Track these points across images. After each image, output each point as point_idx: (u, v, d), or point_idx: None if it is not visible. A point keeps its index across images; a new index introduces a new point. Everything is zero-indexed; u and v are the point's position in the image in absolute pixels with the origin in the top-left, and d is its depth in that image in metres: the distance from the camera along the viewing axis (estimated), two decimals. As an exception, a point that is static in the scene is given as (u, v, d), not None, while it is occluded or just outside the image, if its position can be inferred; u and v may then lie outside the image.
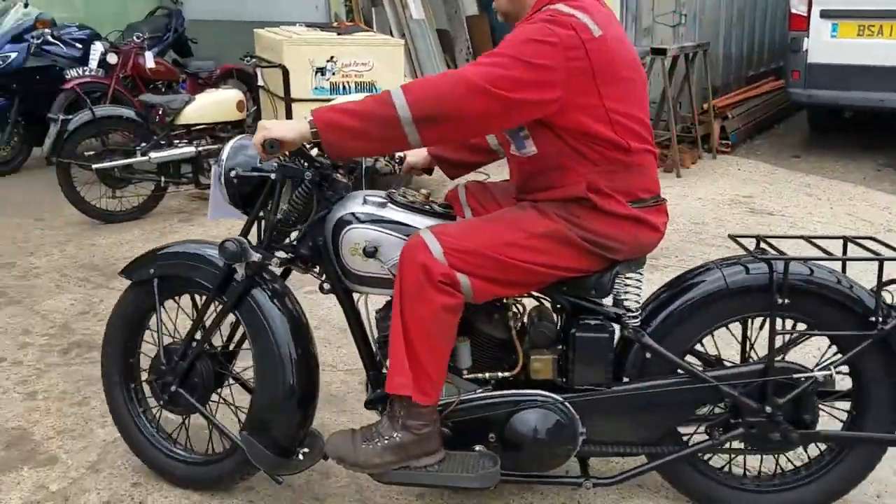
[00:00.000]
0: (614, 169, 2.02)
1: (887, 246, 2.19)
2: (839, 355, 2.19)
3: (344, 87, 5.39)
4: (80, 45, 6.46)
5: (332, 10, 7.85)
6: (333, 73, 5.35)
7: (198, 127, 5.37)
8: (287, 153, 2.08)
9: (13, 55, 6.16)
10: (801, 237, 2.36)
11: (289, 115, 5.29)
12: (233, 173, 2.26)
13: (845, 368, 2.21)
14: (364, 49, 5.44)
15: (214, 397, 2.53)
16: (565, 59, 1.88)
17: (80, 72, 6.16)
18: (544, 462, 2.21)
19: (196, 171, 5.42)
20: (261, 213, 2.29)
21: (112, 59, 6.28)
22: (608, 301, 2.20)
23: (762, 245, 2.25)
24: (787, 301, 2.07)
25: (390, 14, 7.08)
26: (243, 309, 2.32)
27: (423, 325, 2.00)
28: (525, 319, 2.30)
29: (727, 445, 2.24)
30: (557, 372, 2.20)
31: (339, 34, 5.62)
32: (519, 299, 2.28)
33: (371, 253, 2.13)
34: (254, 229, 2.34)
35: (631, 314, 2.18)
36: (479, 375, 2.23)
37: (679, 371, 2.20)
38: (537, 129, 2.02)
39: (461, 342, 2.18)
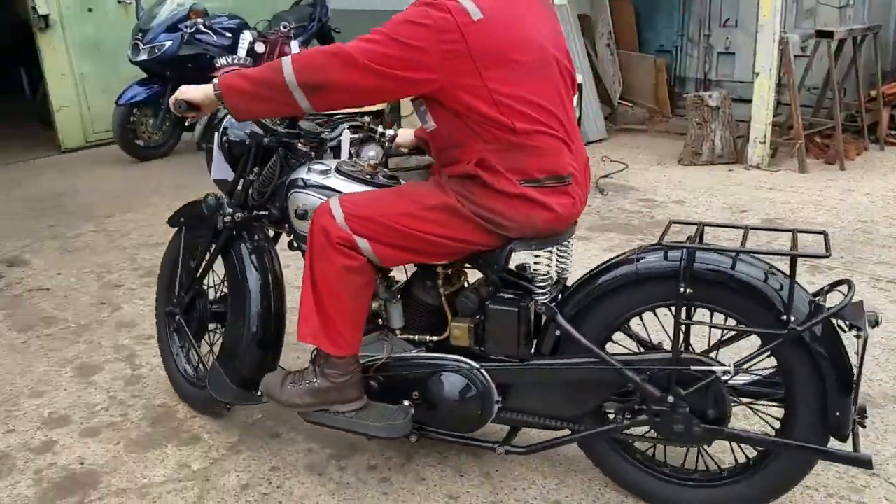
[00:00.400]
0: (505, 148, 2.07)
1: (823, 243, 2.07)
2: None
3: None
4: (229, 34, 6.66)
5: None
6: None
7: (338, 116, 5.39)
8: (198, 115, 2.38)
9: (168, 44, 6.42)
10: (748, 227, 2.23)
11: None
12: (224, 138, 2.66)
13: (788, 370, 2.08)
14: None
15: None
16: (438, 41, 1.96)
17: (230, 60, 6.35)
18: (459, 423, 2.36)
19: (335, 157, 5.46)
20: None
21: (260, 47, 6.44)
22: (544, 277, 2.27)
23: (704, 232, 2.21)
24: (690, 290, 2.03)
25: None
26: (228, 257, 2.70)
27: (329, 282, 2.21)
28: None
29: (635, 431, 2.25)
30: (475, 341, 2.31)
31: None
32: (464, 270, 2.43)
33: (302, 215, 2.37)
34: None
35: (540, 291, 2.24)
36: (411, 337, 2.42)
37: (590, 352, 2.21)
38: (433, 105, 2.12)
39: (393, 304, 2.42)
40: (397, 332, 2.44)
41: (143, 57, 6.45)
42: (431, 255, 2.25)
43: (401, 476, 2.55)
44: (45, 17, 6.86)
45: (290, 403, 2.40)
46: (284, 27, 6.61)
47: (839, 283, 2.06)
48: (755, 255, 2.08)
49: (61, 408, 3.02)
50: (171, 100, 2.34)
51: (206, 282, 2.89)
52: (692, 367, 2.09)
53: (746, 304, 2.03)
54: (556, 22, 2.24)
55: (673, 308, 2.09)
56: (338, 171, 2.42)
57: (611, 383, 2.22)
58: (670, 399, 2.11)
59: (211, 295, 2.92)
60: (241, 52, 6.45)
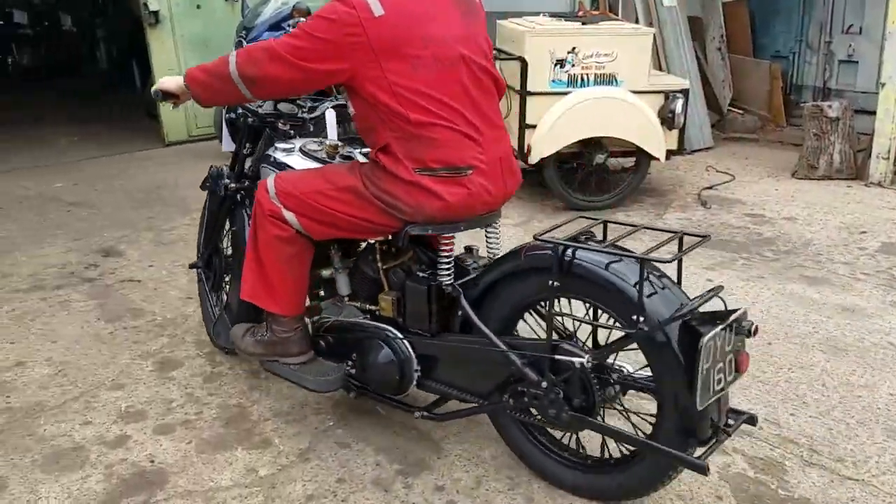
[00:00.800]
0: (405, 137, 2.23)
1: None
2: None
3: (582, 80, 5.08)
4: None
5: (577, -2, 7.56)
6: (573, 65, 5.06)
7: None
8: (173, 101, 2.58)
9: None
10: (639, 226, 2.26)
11: (522, 110, 5.08)
12: (226, 117, 3.11)
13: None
14: (609, 39, 5.09)
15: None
16: (342, 34, 2.15)
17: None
18: (382, 386, 2.59)
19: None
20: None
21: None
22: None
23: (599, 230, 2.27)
24: (560, 284, 2.15)
25: (639, 1, 6.64)
26: (231, 220, 3.12)
27: (265, 248, 2.52)
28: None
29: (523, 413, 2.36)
30: (397, 313, 2.53)
31: (583, 24, 5.31)
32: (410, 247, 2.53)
33: None
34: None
35: (442, 272, 2.42)
36: (358, 305, 2.68)
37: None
38: (350, 93, 2.32)
39: (340, 273, 2.71)
40: (345, 299, 2.72)
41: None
42: (345, 230, 2.47)
43: (468, 500, 2.42)
44: (156, 13, 7.06)
45: (247, 352, 2.77)
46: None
47: (717, 288, 2.12)
48: (631, 256, 2.09)
49: (139, 402, 3.02)
50: (152, 89, 2.60)
51: (222, 239, 3.25)
52: (557, 356, 2.20)
53: (613, 300, 2.11)
54: (473, 23, 2.35)
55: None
56: (301, 150, 2.72)
57: (504, 363, 2.31)
58: (544, 384, 2.23)
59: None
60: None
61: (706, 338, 1.89)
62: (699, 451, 2.08)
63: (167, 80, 2.54)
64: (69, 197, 5.80)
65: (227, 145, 3.19)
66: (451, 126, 2.24)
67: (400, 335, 2.52)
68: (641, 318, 2.00)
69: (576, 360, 2.15)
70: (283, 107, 2.89)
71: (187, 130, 7.43)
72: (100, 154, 7.11)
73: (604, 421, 2.28)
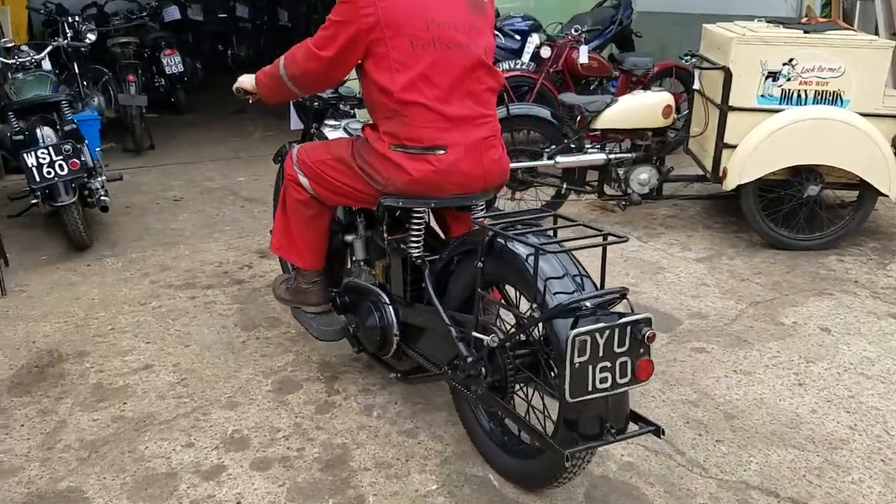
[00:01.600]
0: (388, 115, 2.45)
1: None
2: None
3: (799, 96, 4.33)
4: (518, 37, 6.32)
5: (805, 2, 6.63)
6: (788, 79, 4.32)
7: (615, 132, 4.79)
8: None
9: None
10: (578, 224, 2.27)
11: (721, 127, 4.42)
12: (293, 100, 3.28)
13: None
14: (837, 50, 4.29)
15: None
16: (359, 15, 2.37)
17: (511, 65, 6.00)
18: (369, 344, 2.89)
19: (602, 180, 4.86)
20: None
21: (545, 52, 6.00)
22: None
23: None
24: (481, 266, 2.27)
25: (880, 7, 5.66)
26: None
27: (290, 209, 2.87)
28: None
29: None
30: (385, 279, 2.82)
31: (805, 32, 4.53)
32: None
33: None
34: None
35: (412, 245, 2.63)
36: (367, 267, 3.00)
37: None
38: (360, 75, 2.54)
39: (359, 239, 3.01)
40: (362, 264, 3.01)
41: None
42: (340, 196, 2.75)
43: None
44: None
45: (278, 297, 3.18)
46: (577, 30, 6.09)
47: (622, 289, 2.09)
48: (526, 243, 2.16)
49: (246, 427, 2.82)
50: (234, 87, 2.86)
51: None
52: (474, 334, 2.32)
53: (526, 287, 2.18)
54: (480, 18, 2.52)
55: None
56: (344, 128, 3.11)
57: (450, 337, 2.44)
58: (469, 359, 2.37)
59: None
60: (526, 56, 6.06)
61: (575, 331, 1.91)
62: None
63: (245, 79, 2.84)
64: (247, 192, 5.87)
65: (294, 124, 3.49)
66: (432, 108, 2.41)
67: (387, 300, 2.76)
68: (535, 305, 2.08)
69: (486, 339, 2.27)
70: (343, 90, 3.18)
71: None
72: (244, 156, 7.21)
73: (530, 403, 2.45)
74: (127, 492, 2.48)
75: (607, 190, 4.91)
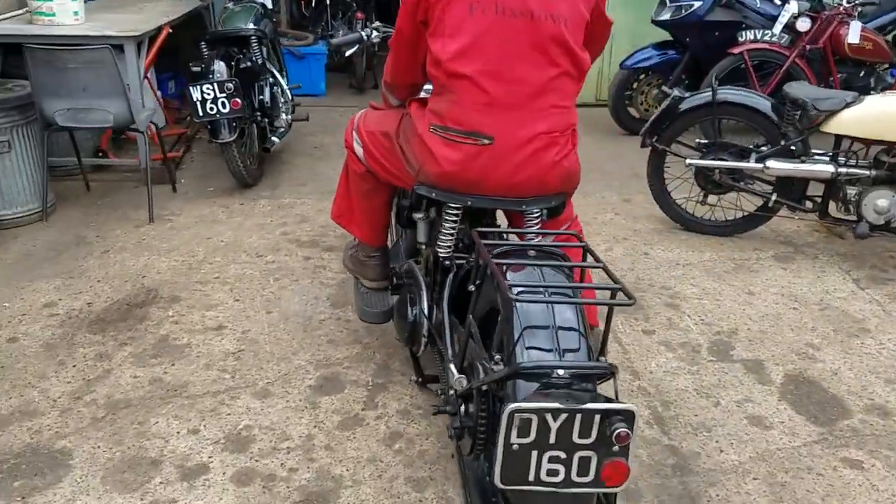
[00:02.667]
0: (438, 91, 2.13)
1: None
2: None
3: None
4: (779, 2, 5.21)
5: None
6: None
7: (853, 142, 3.74)
8: None
9: (697, 4, 5.30)
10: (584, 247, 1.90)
11: None
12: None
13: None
14: None
15: None
16: None
17: (756, 35, 4.97)
18: (402, 337, 2.62)
19: (827, 197, 3.84)
20: None
21: (803, 24, 4.88)
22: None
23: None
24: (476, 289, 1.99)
25: None
26: None
27: (350, 178, 2.70)
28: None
29: None
30: (425, 273, 2.56)
31: None
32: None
33: None
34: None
35: (441, 245, 2.34)
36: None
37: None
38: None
39: (422, 221, 2.54)
40: (423, 246, 2.59)
41: (666, 16, 5.47)
42: (383, 173, 2.49)
43: None
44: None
45: (344, 263, 3.01)
46: (850, 1, 4.87)
47: (611, 366, 1.69)
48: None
49: (259, 425, 2.55)
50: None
51: None
52: (451, 366, 2.09)
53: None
54: None
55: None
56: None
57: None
58: (442, 394, 2.21)
59: None
60: (777, 27, 4.98)
61: (515, 405, 1.54)
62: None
63: None
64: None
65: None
66: (483, 86, 2.04)
67: (426, 295, 2.46)
68: (498, 357, 1.77)
69: (455, 376, 1.98)
70: None
71: (596, 93, 6.67)
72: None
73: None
74: (105, 470, 2.34)
75: (833, 211, 3.88)
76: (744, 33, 5.05)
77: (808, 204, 3.89)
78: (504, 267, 1.80)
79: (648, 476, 2.36)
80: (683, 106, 3.96)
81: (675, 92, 3.98)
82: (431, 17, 2.07)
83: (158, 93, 5.45)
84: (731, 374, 2.88)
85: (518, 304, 1.74)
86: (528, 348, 1.71)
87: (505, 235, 2.05)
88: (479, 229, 1.98)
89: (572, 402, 1.55)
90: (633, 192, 4.68)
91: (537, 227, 2.28)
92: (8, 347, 2.97)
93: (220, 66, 4.35)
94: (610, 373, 1.67)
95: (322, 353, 2.97)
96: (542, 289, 1.79)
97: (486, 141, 2.06)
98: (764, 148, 3.85)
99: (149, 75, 5.12)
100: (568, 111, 2.14)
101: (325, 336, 3.08)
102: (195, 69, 4.43)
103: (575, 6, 2.07)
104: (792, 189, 3.86)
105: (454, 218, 2.28)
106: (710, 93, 3.86)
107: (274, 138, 4.70)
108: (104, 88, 3.92)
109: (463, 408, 1.99)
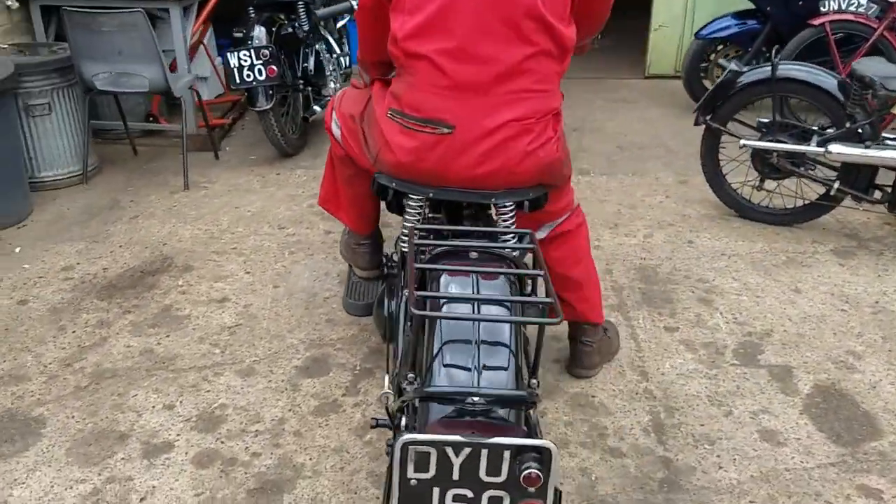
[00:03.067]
0: (399, 73, 1.96)
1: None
2: None
3: None
4: (873, -33, 4.70)
5: None
6: None
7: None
8: None
9: (782, -29, 4.86)
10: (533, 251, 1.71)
11: None
12: None
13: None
14: None
15: None
16: None
17: (841, 5, 4.50)
18: (379, 330, 2.34)
19: (897, 189, 3.43)
20: None
21: (896, -9, 4.38)
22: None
23: None
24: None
25: None
26: None
27: (332, 161, 2.58)
28: None
29: None
30: None
31: None
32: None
33: None
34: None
35: (401, 237, 2.19)
36: None
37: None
38: None
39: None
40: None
41: (746, -17, 5.04)
42: (358, 158, 2.30)
43: None
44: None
45: (340, 251, 2.90)
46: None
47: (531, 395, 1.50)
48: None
49: (234, 404, 2.48)
50: None
51: None
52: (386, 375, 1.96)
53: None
54: None
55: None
56: None
57: None
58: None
59: None
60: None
61: (409, 437, 1.34)
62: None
63: None
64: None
65: None
66: (443, 68, 1.84)
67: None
68: (411, 375, 1.53)
69: (385, 388, 1.79)
70: None
71: (675, 65, 6.26)
72: (574, 76, 6.49)
73: None
74: (71, 442, 2.32)
75: (905, 203, 3.48)
76: (827, 2, 4.58)
77: (877, 194, 3.49)
78: (431, 274, 1.64)
79: (630, 489, 2.15)
80: (742, 80, 3.60)
81: (732, 65, 3.62)
82: None
83: (218, 59, 5.45)
84: (753, 381, 2.61)
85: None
86: (446, 366, 1.52)
87: (446, 234, 1.88)
88: (421, 226, 1.82)
89: (477, 436, 1.37)
90: (692, 172, 4.33)
91: (511, 221, 2.08)
92: (17, 310, 3.01)
93: (259, 32, 4.27)
94: (531, 402, 1.48)
95: (317, 332, 2.86)
96: (467, 300, 1.60)
97: (446, 130, 1.89)
98: (829, 130, 3.47)
99: (205, 41, 5.12)
100: (547, 95, 1.93)
101: (325, 315, 2.97)
102: (237, 35, 4.37)
103: None
104: (858, 177, 3.46)
105: (416, 210, 2.10)
106: (769, 68, 3.50)
107: (316, 107, 4.61)
108: (138, 53, 3.91)
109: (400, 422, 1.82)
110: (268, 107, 4.19)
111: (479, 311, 1.58)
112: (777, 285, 3.20)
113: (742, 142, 3.58)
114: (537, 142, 1.92)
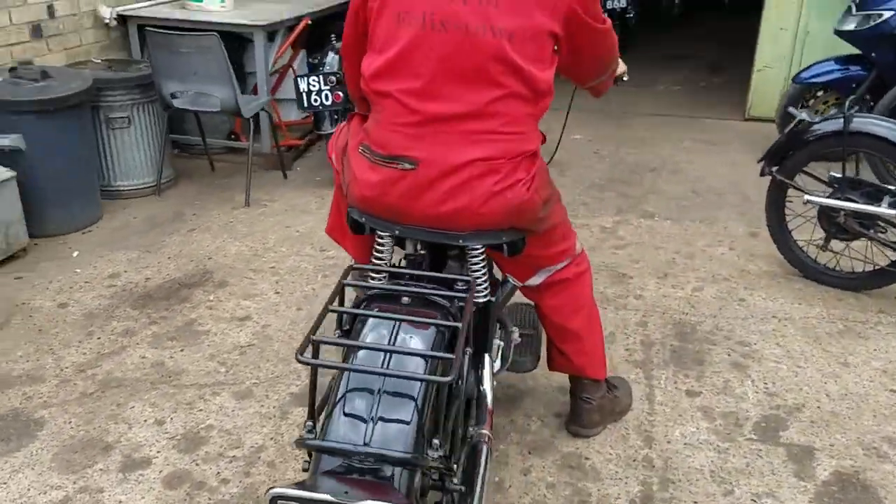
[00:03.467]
0: (371, 109, 1.93)
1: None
2: None
3: None
4: None
5: None
6: None
7: None
8: None
9: (888, 14, 4.46)
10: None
11: None
12: None
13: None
14: None
15: None
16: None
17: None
18: None
19: None
20: None
21: None
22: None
23: None
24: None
25: None
26: None
27: (337, 189, 2.30)
28: None
29: None
30: None
31: None
32: None
33: None
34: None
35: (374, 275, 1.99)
36: None
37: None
38: None
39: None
40: None
41: (850, 27, 4.69)
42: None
43: None
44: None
45: None
46: None
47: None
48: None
49: (221, 427, 2.49)
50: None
51: None
52: None
53: None
54: None
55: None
56: None
57: None
58: None
59: None
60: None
61: (276, 491, 1.31)
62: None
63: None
64: (567, 155, 5.23)
65: None
66: (407, 105, 1.80)
67: None
68: (308, 423, 1.47)
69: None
70: None
71: (777, 109, 5.90)
72: (669, 112, 6.27)
73: None
74: (61, 447, 2.40)
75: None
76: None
77: (958, 263, 3.14)
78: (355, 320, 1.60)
79: (593, 568, 2.00)
80: (815, 130, 3.34)
81: (803, 115, 3.36)
82: (368, 27, 1.87)
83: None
84: (766, 460, 2.38)
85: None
86: (346, 415, 1.47)
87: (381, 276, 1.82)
88: (357, 265, 1.77)
89: (348, 496, 1.30)
90: (765, 225, 4.06)
91: (481, 265, 2.00)
92: (56, 312, 3.17)
93: (331, 59, 4.37)
94: (417, 465, 1.39)
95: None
96: (375, 352, 1.54)
97: (409, 166, 1.83)
98: (906, 191, 3.16)
99: (295, 65, 5.28)
100: (517, 137, 1.84)
101: (338, 343, 2.96)
102: (312, 61, 4.49)
103: (527, 17, 1.75)
104: (937, 243, 3.13)
105: (382, 247, 2.04)
106: (842, 119, 3.22)
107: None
108: (213, 74, 4.08)
109: None
110: (331, 131, 4.26)
111: (388, 363, 1.52)
112: (824, 356, 2.92)
113: (806, 198, 3.31)
114: (504, 182, 1.84)
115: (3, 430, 2.48)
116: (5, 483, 2.25)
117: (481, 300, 1.99)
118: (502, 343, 2.30)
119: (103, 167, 4.26)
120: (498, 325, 2.26)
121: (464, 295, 1.62)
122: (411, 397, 1.47)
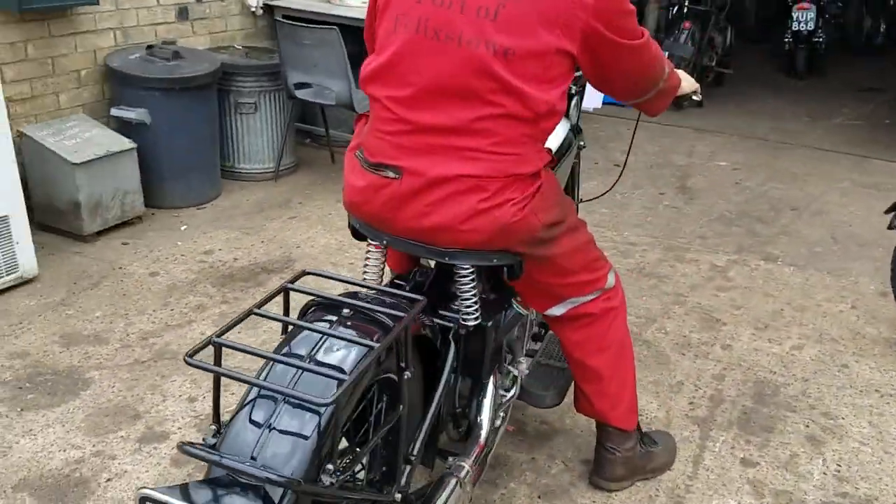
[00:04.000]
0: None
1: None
2: None
3: None
4: None
5: None
6: None
7: None
8: None
9: None
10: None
11: None
12: None
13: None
14: None
15: None
16: None
17: None
18: None
19: None
20: None
21: None
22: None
23: None
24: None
25: None
26: None
27: None
28: None
29: None
30: None
31: None
32: None
33: None
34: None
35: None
36: None
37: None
38: None
39: None
40: None
41: None
42: None
43: None
44: None
45: None
46: None
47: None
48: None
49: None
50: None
51: None
52: None
53: None
54: (514, 5, 1.63)
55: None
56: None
57: None
58: None
59: None
60: None
61: (146, 491, 1.23)
62: None
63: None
64: (703, 182, 4.87)
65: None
66: (396, 114, 1.74)
67: None
68: (212, 427, 1.45)
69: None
70: None
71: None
72: (836, 148, 5.68)
73: None
74: (96, 409, 2.52)
75: None
76: None
77: None
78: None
79: None
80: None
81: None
82: (375, 26, 1.83)
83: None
84: (806, 558, 2.06)
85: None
86: (251, 422, 1.41)
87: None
88: (310, 270, 1.73)
89: None
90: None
91: (470, 286, 1.87)
92: (145, 280, 3.36)
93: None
94: (292, 489, 1.31)
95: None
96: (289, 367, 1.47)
97: (393, 175, 1.76)
98: None
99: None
100: (510, 158, 1.72)
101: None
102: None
103: (529, 35, 1.63)
104: None
105: (370, 256, 1.98)
106: None
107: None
108: (331, 67, 4.15)
109: None
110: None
111: (296, 378, 1.45)
112: (923, 447, 2.50)
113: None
114: (492, 201, 1.72)
115: (54, 384, 2.64)
116: (35, 435, 2.40)
117: (470, 324, 1.88)
118: (514, 370, 2.17)
119: (228, 149, 4.48)
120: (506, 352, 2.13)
121: (400, 314, 1.52)
122: (316, 413, 1.39)
